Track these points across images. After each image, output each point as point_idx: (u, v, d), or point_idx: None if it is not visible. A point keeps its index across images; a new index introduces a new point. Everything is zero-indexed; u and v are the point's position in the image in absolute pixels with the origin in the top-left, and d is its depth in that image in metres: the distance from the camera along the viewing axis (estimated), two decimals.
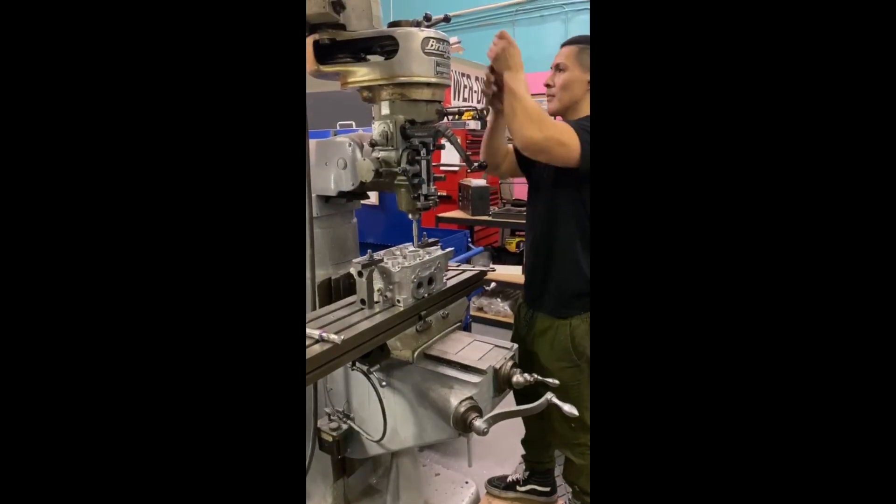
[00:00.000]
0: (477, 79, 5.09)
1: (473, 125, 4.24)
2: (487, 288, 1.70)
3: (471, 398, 1.19)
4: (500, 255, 3.77)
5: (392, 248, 1.49)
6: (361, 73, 1.19)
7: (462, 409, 1.16)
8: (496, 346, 1.35)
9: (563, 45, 1.45)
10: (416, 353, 1.29)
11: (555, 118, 1.41)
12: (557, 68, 1.44)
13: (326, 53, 1.21)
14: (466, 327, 2.36)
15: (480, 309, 3.54)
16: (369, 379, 1.29)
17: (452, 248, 1.50)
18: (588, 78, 1.40)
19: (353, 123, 2.08)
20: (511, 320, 3.62)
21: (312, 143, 1.41)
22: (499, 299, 3.50)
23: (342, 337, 1.06)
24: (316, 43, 1.20)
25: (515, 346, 1.36)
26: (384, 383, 1.26)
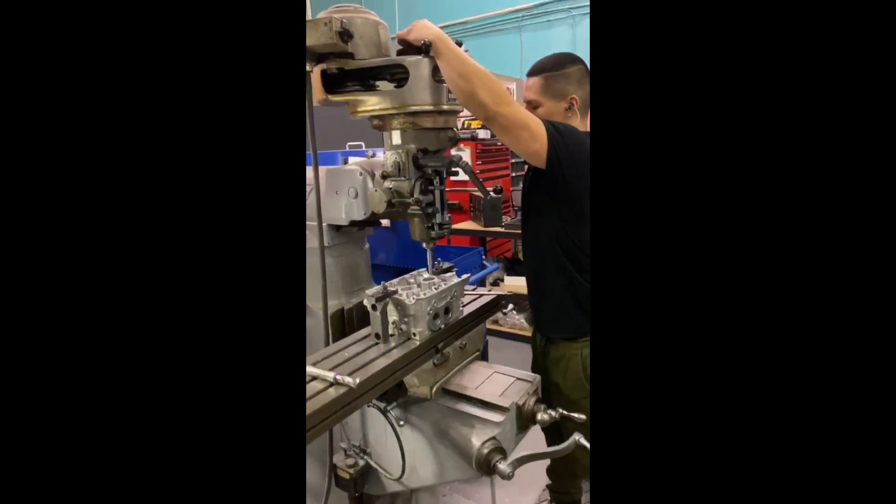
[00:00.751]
0: None
1: (483, 134, 4.20)
2: (503, 301, 1.64)
3: (494, 438, 1.14)
4: (514, 266, 3.71)
5: (406, 276, 1.44)
6: (371, 103, 1.15)
7: (485, 451, 1.10)
8: (518, 378, 1.30)
9: (528, 75, 1.35)
10: (434, 389, 1.24)
11: None
12: (530, 105, 1.36)
13: (335, 83, 1.17)
14: (484, 349, 2.30)
15: (496, 322, 3.48)
16: (387, 418, 1.25)
17: (468, 275, 1.45)
18: (565, 105, 1.32)
19: (363, 144, 2.04)
20: (527, 333, 3.57)
21: (322, 171, 1.38)
22: (514, 311, 3.44)
23: (357, 380, 1.01)
24: (324, 72, 1.17)
25: (537, 377, 1.31)
26: (402, 423, 1.21)
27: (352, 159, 2.10)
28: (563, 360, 1.37)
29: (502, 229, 3.38)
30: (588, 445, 1.04)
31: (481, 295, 1.59)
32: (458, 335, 1.36)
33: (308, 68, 1.15)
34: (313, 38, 1.07)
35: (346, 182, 1.32)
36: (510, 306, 1.68)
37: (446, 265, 1.47)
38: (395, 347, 1.23)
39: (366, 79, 1.16)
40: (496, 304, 1.58)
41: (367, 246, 1.57)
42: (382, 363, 1.14)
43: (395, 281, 1.41)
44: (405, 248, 2.03)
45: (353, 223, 1.36)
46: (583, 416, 1.17)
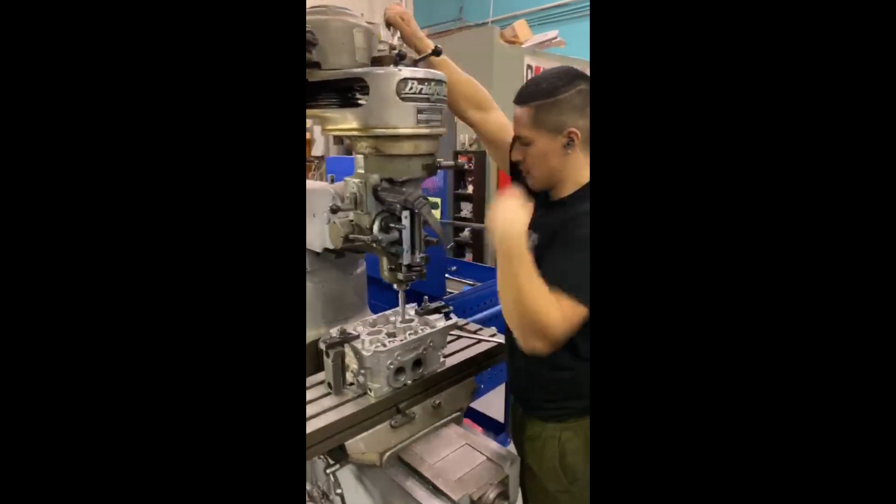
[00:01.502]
0: None
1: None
2: None
3: None
4: None
5: (387, 313, 1.27)
6: (335, 121, 0.98)
7: None
8: (489, 458, 1.08)
9: (515, 102, 1.03)
10: (385, 457, 1.07)
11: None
12: (520, 142, 1.03)
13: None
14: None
15: None
16: (328, 478, 1.10)
17: (454, 321, 1.24)
18: (564, 141, 0.98)
19: None
20: None
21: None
22: None
23: None
24: None
25: (515, 461, 1.07)
26: (339, 490, 1.06)
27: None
28: (539, 441, 1.11)
29: None
30: None
31: (480, 340, 1.37)
32: (430, 393, 1.17)
33: None
34: None
35: (319, 205, 1.17)
36: None
37: (435, 305, 1.27)
38: (348, 401, 1.07)
39: (335, 93, 0.99)
40: (497, 354, 1.35)
41: (360, 269, 1.41)
42: (324, 421, 0.99)
43: (370, 319, 1.25)
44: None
45: (329, 251, 1.21)
46: None
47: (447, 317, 1.25)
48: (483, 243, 4.18)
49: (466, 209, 4.77)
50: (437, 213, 1.10)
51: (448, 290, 1.86)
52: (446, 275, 2.17)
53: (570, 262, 0.89)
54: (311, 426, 0.98)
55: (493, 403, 2.52)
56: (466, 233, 4.70)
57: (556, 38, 4.38)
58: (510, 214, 0.87)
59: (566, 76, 0.98)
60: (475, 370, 1.28)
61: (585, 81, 0.97)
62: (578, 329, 0.89)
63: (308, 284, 1.31)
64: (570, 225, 0.95)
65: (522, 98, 1.00)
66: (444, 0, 6.21)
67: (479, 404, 2.48)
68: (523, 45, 4.36)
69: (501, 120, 1.26)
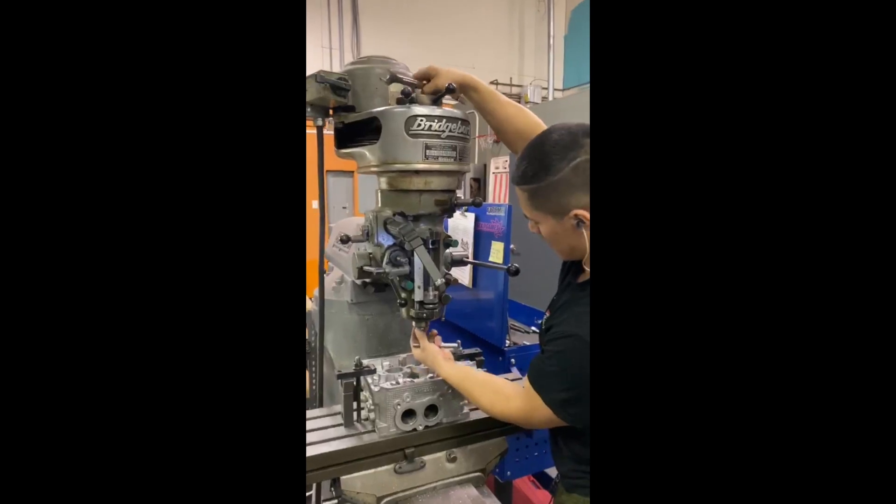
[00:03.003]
0: None
1: None
2: None
3: None
4: None
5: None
6: (363, 159, 1.04)
7: None
8: None
9: (511, 181, 0.93)
10: (384, 502, 1.01)
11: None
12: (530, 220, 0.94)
13: (342, 137, 1.11)
14: None
15: None
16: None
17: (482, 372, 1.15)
18: (571, 222, 0.85)
19: None
20: None
21: (352, 220, 1.33)
22: None
23: None
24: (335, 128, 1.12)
25: None
26: None
27: None
28: None
29: None
30: None
31: None
32: (446, 445, 1.09)
33: (319, 123, 1.12)
34: (313, 93, 1.04)
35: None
36: None
37: (468, 351, 1.20)
38: (353, 435, 1.06)
39: (365, 133, 1.06)
40: None
41: None
42: (317, 450, 1.00)
43: (402, 356, 1.23)
44: (483, 312, 1.74)
45: (366, 284, 1.25)
46: None
47: (479, 367, 1.17)
48: None
49: None
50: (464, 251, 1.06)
51: (514, 341, 1.74)
52: (534, 327, 2.03)
53: (547, 367, 0.92)
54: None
55: None
56: None
57: None
58: (423, 356, 1.10)
59: (560, 148, 0.83)
60: (506, 430, 1.15)
61: (585, 150, 0.82)
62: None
63: (353, 316, 1.36)
64: (556, 336, 0.91)
65: (514, 178, 0.90)
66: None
67: None
68: None
69: None
